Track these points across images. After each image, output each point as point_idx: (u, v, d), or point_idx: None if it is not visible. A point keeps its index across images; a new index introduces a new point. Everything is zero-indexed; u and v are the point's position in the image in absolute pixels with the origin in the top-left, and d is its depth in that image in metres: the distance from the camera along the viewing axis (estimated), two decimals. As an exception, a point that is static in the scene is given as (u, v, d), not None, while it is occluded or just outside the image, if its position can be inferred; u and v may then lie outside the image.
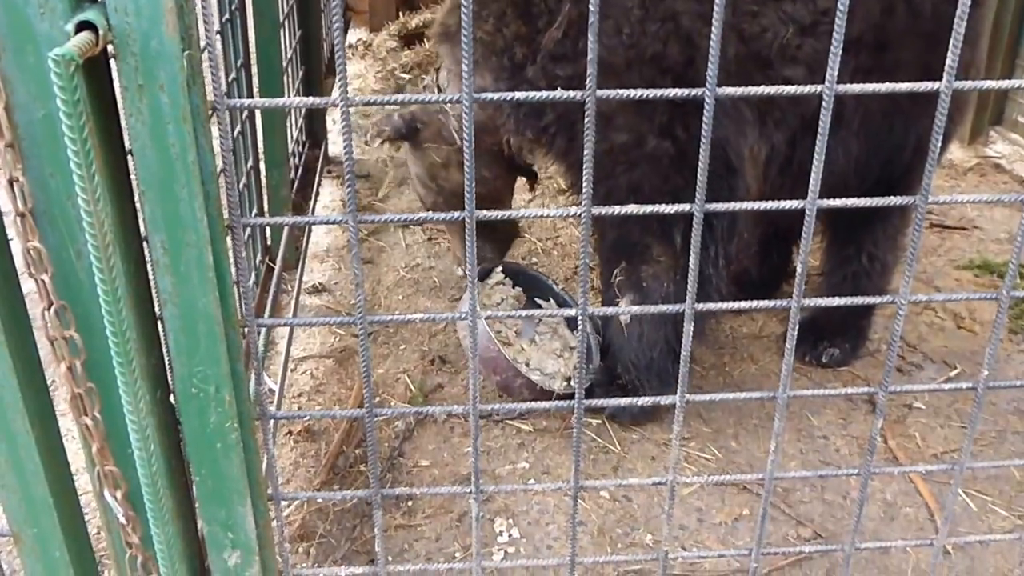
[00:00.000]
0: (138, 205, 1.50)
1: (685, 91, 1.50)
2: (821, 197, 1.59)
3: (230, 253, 1.57)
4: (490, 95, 1.49)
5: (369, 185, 5.64)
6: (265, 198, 4.14)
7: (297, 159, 4.97)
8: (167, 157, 1.41)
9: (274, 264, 3.99)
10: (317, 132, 5.60)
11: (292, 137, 4.81)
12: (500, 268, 3.95)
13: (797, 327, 1.77)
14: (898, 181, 3.40)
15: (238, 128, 3.53)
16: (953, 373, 3.78)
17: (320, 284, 4.52)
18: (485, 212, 1.56)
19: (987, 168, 5.81)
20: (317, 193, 5.06)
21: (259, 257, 3.92)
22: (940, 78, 1.50)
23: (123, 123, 1.45)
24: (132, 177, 1.52)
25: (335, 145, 6.05)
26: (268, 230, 4.09)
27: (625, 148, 3.01)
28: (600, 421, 3.49)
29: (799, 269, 1.69)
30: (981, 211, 5.23)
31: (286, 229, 4.07)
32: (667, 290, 3.22)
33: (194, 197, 1.45)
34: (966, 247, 4.88)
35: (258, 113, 3.97)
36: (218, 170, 1.50)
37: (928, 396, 3.64)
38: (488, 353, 3.39)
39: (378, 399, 3.58)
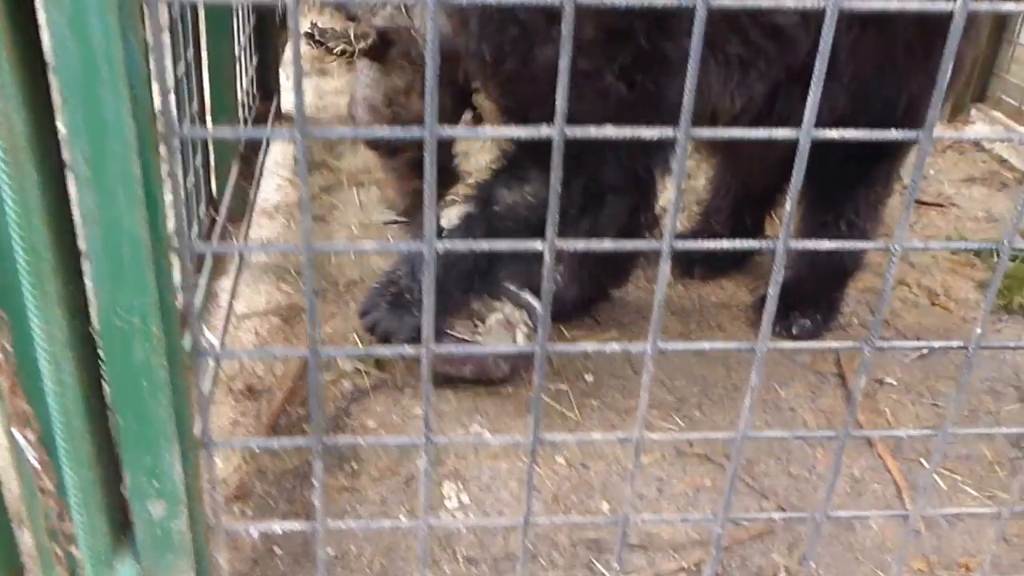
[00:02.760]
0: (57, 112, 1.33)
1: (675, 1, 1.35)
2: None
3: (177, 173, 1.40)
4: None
5: (324, 143, 5.48)
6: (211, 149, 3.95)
7: (247, 111, 4.78)
8: (89, 53, 1.24)
9: (218, 215, 3.82)
10: (269, 84, 5.40)
11: (242, 87, 4.63)
12: None
13: (781, 273, 1.62)
14: (885, 146, 3.26)
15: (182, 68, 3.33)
16: (926, 349, 3.67)
17: (268, 240, 4.35)
18: (448, 130, 1.40)
19: (966, 146, 5.71)
20: (267, 147, 4.88)
21: (203, 208, 3.74)
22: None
23: (39, 16, 1.28)
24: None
25: (288, 102, 5.88)
26: (213, 182, 3.90)
27: (583, 76, 2.81)
28: (562, 386, 3.35)
29: (788, 207, 1.55)
30: (959, 189, 5.14)
31: (232, 181, 3.89)
32: (513, 233, 2.94)
33: (121, 100, 1.27)
34: (943, 224, 4.77)
35: (204, 60, 3.76)
36: (150, 72, 1.33)
37: (900, 372, 3.53)
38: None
39: (327, 359, 3.41)
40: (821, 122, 3.09)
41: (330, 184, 4.94)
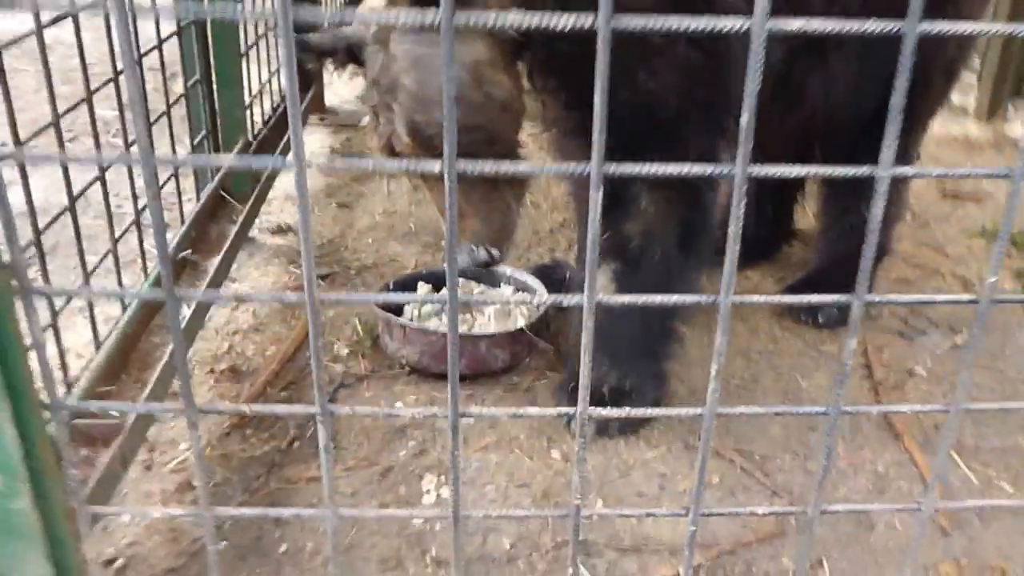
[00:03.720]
0: None
1: None
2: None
3: None
4: None
5: (363, 134, 5.33)
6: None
7: (276, 96, 4.61)
8: None
9: (227, 193, 3.65)
10: (307, 72, 5.26)
11: (272, 71, 4.49)
12: (422, 281, 3.48)
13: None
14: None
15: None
16: (958, 338, 3.45)
17: (287, 224, 4.22)
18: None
19: (1004, 144, 5.61)
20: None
21: (211, 186, 3.56)
22: None
23: None
24: None
25: (334, 95, 5.79)
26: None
27: (656, 51, 2.54)
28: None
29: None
30: (997, 183, 4.95)
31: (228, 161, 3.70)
32: (664, 253, 2.73)
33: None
34: (979, 216, 4.64)
35: (210, 30, 3.57)
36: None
37: (931, 363, 3.29)
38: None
39: (323, 342, 3.20)
40: (836, 92, 2.96)
41: (362, 173, 4.78)
